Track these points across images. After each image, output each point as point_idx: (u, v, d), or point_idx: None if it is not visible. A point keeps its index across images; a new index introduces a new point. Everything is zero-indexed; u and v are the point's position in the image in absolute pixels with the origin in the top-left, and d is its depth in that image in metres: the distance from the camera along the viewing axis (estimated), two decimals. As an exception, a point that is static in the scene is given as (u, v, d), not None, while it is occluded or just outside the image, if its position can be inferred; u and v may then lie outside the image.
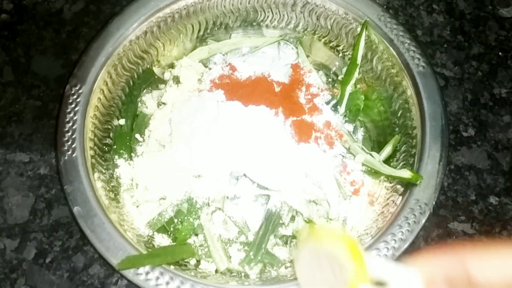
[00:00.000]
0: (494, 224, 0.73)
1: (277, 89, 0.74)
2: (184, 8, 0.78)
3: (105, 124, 0.73)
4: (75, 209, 0.63)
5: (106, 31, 0.74)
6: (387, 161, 0.72)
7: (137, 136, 0.76)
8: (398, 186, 0.68)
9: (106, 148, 0.73)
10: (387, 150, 0.73)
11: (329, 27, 0.80)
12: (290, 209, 0.68)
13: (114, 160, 0.73)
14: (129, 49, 0.75)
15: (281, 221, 0.68)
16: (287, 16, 0.82)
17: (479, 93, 0.82)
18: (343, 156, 0.73)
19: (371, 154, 0.71)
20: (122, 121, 0.76)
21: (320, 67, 0.83)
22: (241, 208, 0.68)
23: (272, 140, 0.68)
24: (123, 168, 0.72)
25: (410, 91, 0.72)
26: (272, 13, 0.82)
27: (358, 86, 0.78)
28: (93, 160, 0.68)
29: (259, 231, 0.67)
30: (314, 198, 0.69)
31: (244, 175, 0.68)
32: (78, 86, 0.70)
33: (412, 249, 0.69)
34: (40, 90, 0.80)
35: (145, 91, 0.80)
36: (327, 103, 0.76)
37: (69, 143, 0.66)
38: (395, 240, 0.62)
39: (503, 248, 0.39)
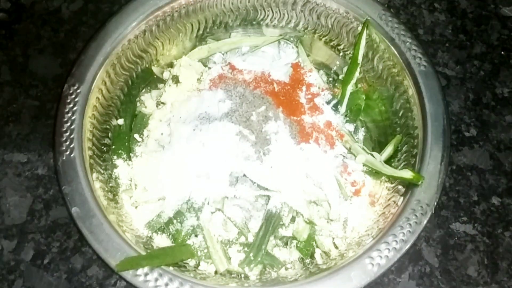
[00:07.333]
0: (496, 225, 0.72)
1: (277, 88, 0.74)
2: (184, 7, 0.77)
3: (104, 124, 0.73)
4: (73, 210, 0.63)
5: (105, 30, 0.73)
6: (388, 161, 0.72)
7: (136, 136, 0.75)
8: (399, 187, 0.68)
9: (105, 148, 0.72)
10: (388, 150, 0.72)
11: (330, 26, 0.80)
12: (290, 210, 0.68)
13: (113, 160, 0.72)
14: (128, 48, 0.75)
15: (281, 222, 0.68)
16: (287, 15, 0.81)
17: (481, 92, 0.82)
18: (344, 156, 0.72)
19: (372, 155, 0.71)
20: (120, 121, 0.76)
21: (321, 66, 0.83)
22: (241, 209, 0.68)
23: (272, 140, 0.67)
24: (122, 168, 0.72)
25: (411, 91, 0.72)
26: (272, 12, 0.81)
27: (359, 85, 0.78)
28: (92, 161, 0.68)
29: (259, 232, 0.67)
30: (314, 199, 0.69)
31: (244, 175, 0.67)
32: (76, 85, 0.70)
33: (414, 250, 0.69)
34: (38, 90, 0.80)
35: (144, 90, 0.79)
36: (328, 102, 0.76)
37: (67, 143, 0.66)
38: (396, 241, 0.61)
39: None
